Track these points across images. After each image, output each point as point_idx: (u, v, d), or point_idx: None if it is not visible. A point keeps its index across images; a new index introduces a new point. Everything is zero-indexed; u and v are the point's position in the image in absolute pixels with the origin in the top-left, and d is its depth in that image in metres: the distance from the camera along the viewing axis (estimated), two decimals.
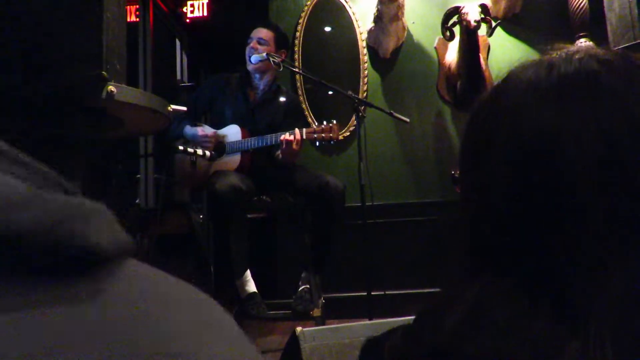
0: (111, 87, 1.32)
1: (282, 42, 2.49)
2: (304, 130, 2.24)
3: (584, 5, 2.84)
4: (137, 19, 3.96)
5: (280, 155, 2.27)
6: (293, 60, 3.27)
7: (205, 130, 2.39)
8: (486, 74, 3.15)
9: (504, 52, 3.21)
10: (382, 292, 2.44)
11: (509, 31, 3.22)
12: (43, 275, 0.20)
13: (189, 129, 2.41)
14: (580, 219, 0.34)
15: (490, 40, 3.16)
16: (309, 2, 3.35)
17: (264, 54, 2.36)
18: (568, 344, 0.32)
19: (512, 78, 0.42)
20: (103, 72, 1.32)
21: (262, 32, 2.45)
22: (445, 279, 0.46)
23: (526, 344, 0.33)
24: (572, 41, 2.88)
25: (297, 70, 3.03)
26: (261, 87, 2.49)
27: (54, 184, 0.23)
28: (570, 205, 0.35)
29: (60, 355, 0.18)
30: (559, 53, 0.43)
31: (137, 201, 3.58)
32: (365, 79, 3.28)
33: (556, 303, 0.34)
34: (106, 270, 0.22)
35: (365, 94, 3.23)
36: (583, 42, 2.84)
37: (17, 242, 0.20)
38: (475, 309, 0.36)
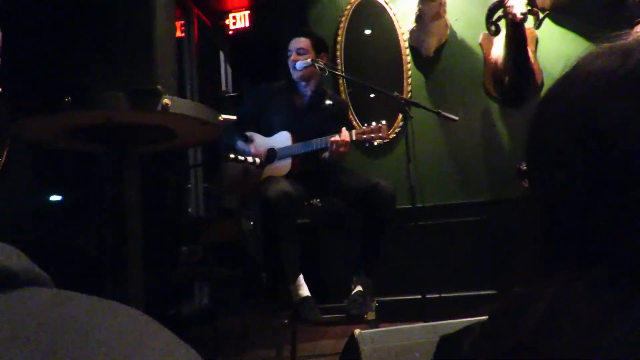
0: (166, 100, 1.37)
1: (321, 46, 2.51)
2: (353, 131, 2.24)
3: None
4: (183, 34, 4.09)
5: (328, 156, 2.28)
6: (335, 64, 3.29)
7: (256, 146, 2.45)
8: (535, 67, 3.06)
9: (553, 44, 3.11)
10: (437, 295, 2.40)
11: (557, 22, 3.11)
12: None
13: (240, 144, 2.47)
14: None
15: (538, 32, 3.07)
16: (348, 6, 3.36)
17: (309, 60, 2.38)
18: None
19: (582, 67, 0.41)
20: (158, 87, 1.38)
21: (300, 42, 2.47)
22: (517, 277, 0.45)
23: (617, 340, 0.32)
24: (630, 27, 2.75)
25: (341, 74, 3.04)
26: (308, 93, 2.52)
27: None
28: None
29: None
30: (631, 39, 0.41)
31: (189, 210, 3.68)
32: (409, 79, 3.25)
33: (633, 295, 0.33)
34: (18, 292, 0.26)
35: (409, 94, 3.20)
36: None
37: None
38: (558, 304, 0.35)
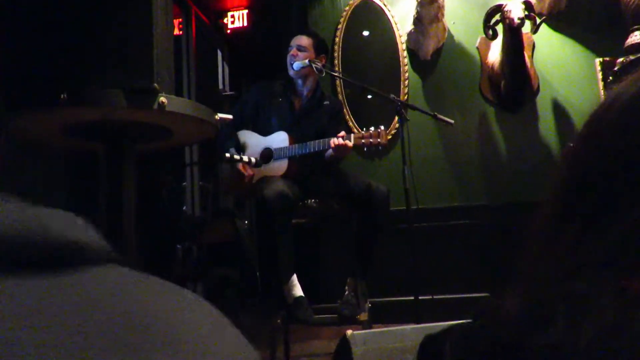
0: (163, 99, 1.37)
1: (321, 48, 2.53)
2: (352, 135, 2.25)
3: None
4: (180, 32, 4.09)
5: (332, 156, 2.30)
6: (333, 65, 3.29)
7: (251, 147, 2.46)
8: (531, 72, 3.07)
9: (549, 49, 3.13)
10: (430, 297, 2.41)
11: (554, 28, 3.13)
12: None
13: (233, 152, 2.46)
14: None
15: (535, 37, 3.08)
16: (347, 8, 3.37)
17: (306, 61, 2.39)
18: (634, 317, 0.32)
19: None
20: (155, 85, 1.38)
21: (301, 40, 2.49)
22: (524, 277, 0.45)
23: (598, 312, 0.33)
24: (625, 34, 2.77)
25: (339, 75, 3.05)
26: (305, 93, 2.53)
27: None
28: None
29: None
30: None
31: (184, 208, 3.68)
32: (406, 82, 3.26)
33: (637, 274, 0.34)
34: (88, 269, 0.23)
35: (406, 97, 3.21)
36: (639, 34, 2.72)
37: None
38: (583, 300, 0.36)
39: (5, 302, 0.20)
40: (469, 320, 0.42)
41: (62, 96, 1.28)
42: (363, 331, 1.20)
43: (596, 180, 0.40)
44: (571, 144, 0.44)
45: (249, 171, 2.37)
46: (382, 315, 2.51)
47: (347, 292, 2.32)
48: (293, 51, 2.47)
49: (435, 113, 2.38)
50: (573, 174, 0.42)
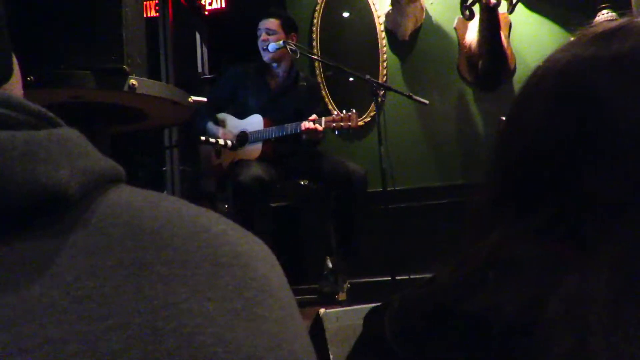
0: (133, 81, 1.36)
1: (290, 27, 2.50)
2: (323, 119, 2.26)
3: None
4: (157, 14, 4.01)
5: (304, 138, 2.31)
6: (311, 47, 3.27)
7: (228, 129, 2.45)
8: (508, 52, 3.09)
9: (526, 29, 3.14)
10: (407, 276, 2.44)
11: (530, 7, 3.14)
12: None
13: (211, 127, 2.45)
14: (613, 170, 0.36)
15: (512, 17, 3.09)
16: None
17: (281, 42, 2.37)
18: (566, 277, 0.33)
19: (566, 50, 0.42)
20: (124, 67, 1.36)
21: (268, 23, 2.46)
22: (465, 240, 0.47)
23: (525, 276, 0.34)
24: (595, 13, 2.80)
25: (313, 55, 3.03)
26: (281, 74, 2.52)
27: (37, 118, 0.24)
28: (608, 155, 0.36)
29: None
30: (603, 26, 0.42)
31: (164, 192, 3.65)
32: (385, 63, 3.26)
33: (566, 243, 0.36)
34: (79, 205, 0.23)
35: (385, 78, 3.21)
36: (605, 13, 2.76)
37: None
38: (497, 256, 0.37)
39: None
40: (409, 291, 0.43)
41: (28, 78, 1.26)
42: (335, 309, 1.22)
43: (530, 156, 0.41)
44: (503, 118, 0.45)
45: (229, 134, 2.38)
46: (361, 295, 2.54)
47: (326, 272, 2.34)
48: (263, 36, 2.45)
49: (411, 94, 2.39)
50: (507, 151, 0.44)
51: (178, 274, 0.22)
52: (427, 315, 0.37)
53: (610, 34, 0.39)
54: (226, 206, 3.24)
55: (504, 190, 0.42)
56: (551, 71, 0.41)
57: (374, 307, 0.45)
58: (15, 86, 0.32)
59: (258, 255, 0.27)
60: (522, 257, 0.36)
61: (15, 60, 0.33)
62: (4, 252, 0.21)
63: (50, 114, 0.26)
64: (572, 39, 0.42)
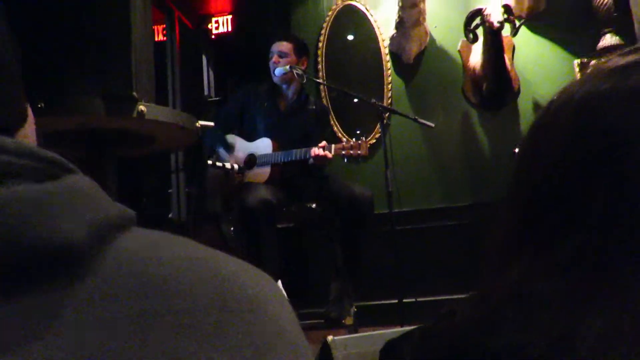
0: (142, 107, 1.37)
1: (302, 51, 2.54)
2: (333, 146, 2.26)
3: (608, 0, 2.79)
4: (165, 38, 4.07)
5: (312, 162, 2.32)
6: (316, 70, 3.30)
7: (237, 152, 2.47)
8: (512, 74, 3.11)
9: (529, 51, 3.16)
10: (414, 299, 2.42)
11: (533, 30, 3.17)
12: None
13: (221, 151, 2.47)
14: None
15: (515, 40, 3.12)
16: (330, 12, 3.38)
17: (287, 67, 2.40)
18: (593, 314, 0.33)
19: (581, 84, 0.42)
20: (133, 93, 1.37)
21: (281, 46, 2.50)
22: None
23: (551, 314, 0.34)
24: (598, 37, 2.82)
25: (319, 80, 3.06)
26: (290, 95, 2.54)
27: (50, 166, 0.24)
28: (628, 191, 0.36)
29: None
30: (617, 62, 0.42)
31: (170, 215, 3.65)
32: (389, 85, 3.28)
33: (591, 277, 0.35)
34: (86, 261, 0.23)
35: (389, 101, 3.23)
36: (609, 37, 2.78)
37: None
38: (516, 290, 0.37)
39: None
40: (429, 324, 0.43)
41: (39, 105, 1.27)
42: (344, 336, 1.21)
43: (549, 191, 0.41)
44: (516, 150, 0.45)
45: (239, 158, 2.40)
46: (368, 319, 2.52)
47: (332, 296, 2.32)
48: (274, 58, 2.48)
49: (416, 117, 2.40)
50: (525, 185, 0.43)
51: (185, 324, 0.22)
52: (450, 350, 0.37)
53: (626, 68, 0.40)
54: (232, 228, 3.24)
55: (522, 224, 0.42)
56: (567, 106, 0.41)
57: (391, 340, 0.44)
58: (29, 132, 0.32)
59: (267, 295, 0.28)
60: (546, 293, 0.35)
61: (28, 106, 0.33)
62: (7, 310, 0.20)
63: (64, 161, 0.26)
64: (587, 71, 0.43)
